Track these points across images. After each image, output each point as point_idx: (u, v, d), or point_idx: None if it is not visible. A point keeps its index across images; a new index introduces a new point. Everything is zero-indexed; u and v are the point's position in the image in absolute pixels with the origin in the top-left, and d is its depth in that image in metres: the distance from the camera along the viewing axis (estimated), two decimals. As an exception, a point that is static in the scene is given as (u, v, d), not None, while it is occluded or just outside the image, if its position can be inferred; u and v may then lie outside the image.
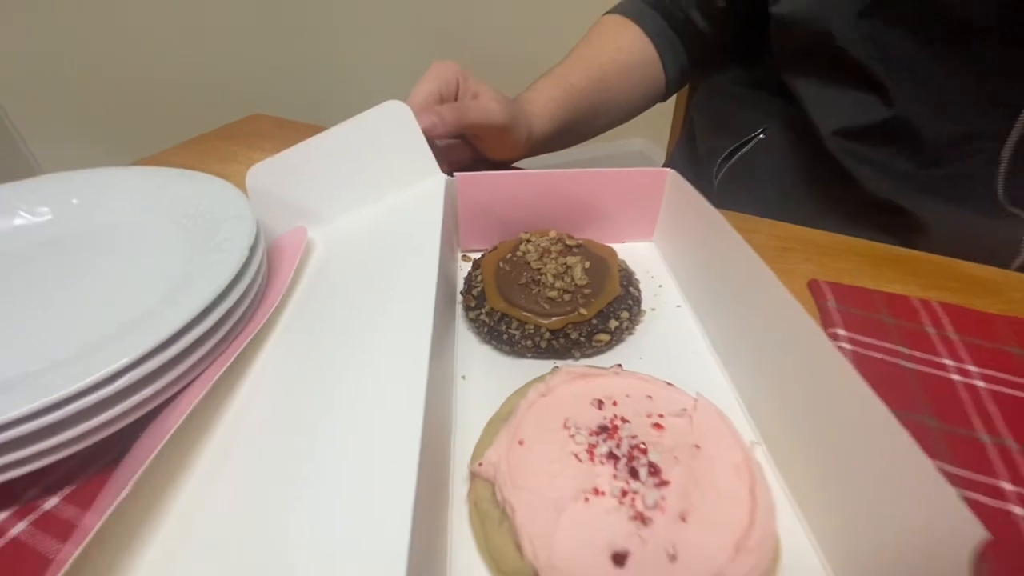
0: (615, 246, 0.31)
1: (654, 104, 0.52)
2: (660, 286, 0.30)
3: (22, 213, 0.28)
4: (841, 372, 0.17)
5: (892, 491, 0.15)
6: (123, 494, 0.15)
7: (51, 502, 0.19)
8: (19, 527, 0.18)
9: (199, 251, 0.25)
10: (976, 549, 0.12)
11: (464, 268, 0.31)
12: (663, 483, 0.17)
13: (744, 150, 0.46)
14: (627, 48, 0.47)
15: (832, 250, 0.34)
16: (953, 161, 0.37)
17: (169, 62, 1.09)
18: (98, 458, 0.20)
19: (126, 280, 0.25)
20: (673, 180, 0.30)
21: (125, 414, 0.19)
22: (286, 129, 0.49)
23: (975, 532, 0.12)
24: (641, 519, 0.16)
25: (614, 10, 0.50)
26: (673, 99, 0.59)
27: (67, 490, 0.19)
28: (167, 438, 0.17)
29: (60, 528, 0.18)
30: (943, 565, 0.13)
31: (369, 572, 0.14)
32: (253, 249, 0.24)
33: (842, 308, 0.28)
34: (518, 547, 0.16)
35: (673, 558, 0.15)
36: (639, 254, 0.32)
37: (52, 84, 1.04)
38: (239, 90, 1.16)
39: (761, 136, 0.45)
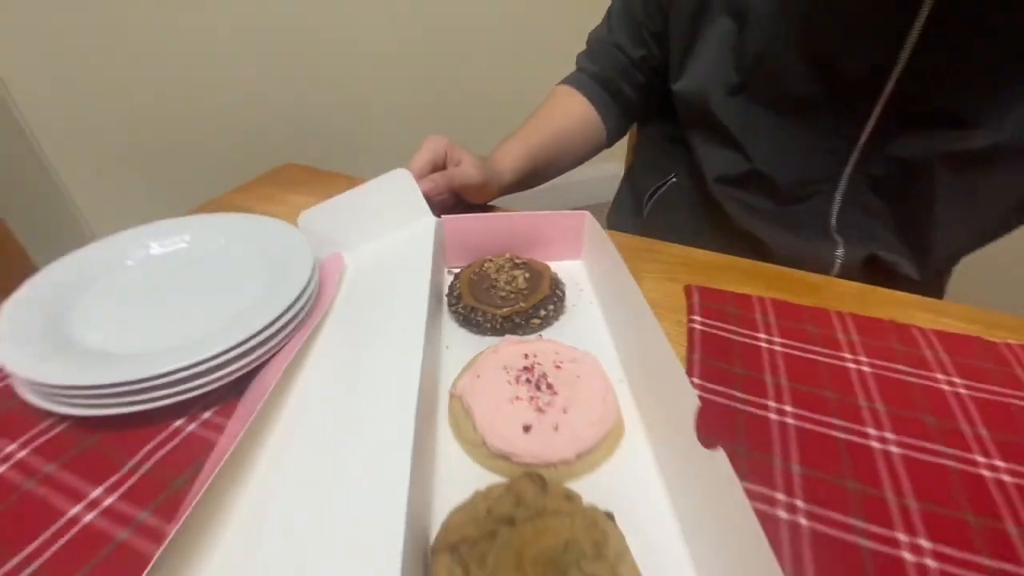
0: (553, 263, 0.45)
1: (599, 152, 0.67)
2: (581, 290, 0.44)
3: (163, 243, 0.42)
4: (665, 350, 0.30)
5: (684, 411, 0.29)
6: (249, 421, 0.29)
7: (207, 414, 0.32)
8: (191, 427, 0.31)
9: (279, 271, 0.38)
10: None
11: (448, 279, 0.45)
12: (555, 393, 0.31)
13: (662, 189, 0.61)
14: (575, 113, 0.62)
15: (710, 265, 0.48)
16: (801, 200, 0.51)
17: (206, 116, 1.25)
18: (231, 391, 0.33)
19: (232, 286, 0.38)
20: (589, 220, 0.44)
21: (240, 367, 0.32)
22: (312, 176, 0.63)
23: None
24: (540, 411, 0.30)
25: (565, 81, 0.65)
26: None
27: (216, 407, 0.32)
28: (273, 384, 0.31)
29: (214, 429, 0.31)
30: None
31: (384, 456, 0.27)
32: (312, 270, 0.38)
33: (702, 303, 0.42)
34: (474, 429, 0.30)
35: (556, 428, 0.29)
36: (570, 268, 0.46)
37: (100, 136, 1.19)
38: (267, 142, 1.32)
39: (673, 179, 0.60)
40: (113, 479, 0.28)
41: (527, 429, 0.29)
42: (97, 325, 0.34)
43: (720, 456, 0.23)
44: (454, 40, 1.45)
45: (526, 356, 0.34)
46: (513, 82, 1.52)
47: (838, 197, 0.50)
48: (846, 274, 0.48)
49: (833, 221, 0.51)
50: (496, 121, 1.08)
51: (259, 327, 0.32)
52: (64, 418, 0.31)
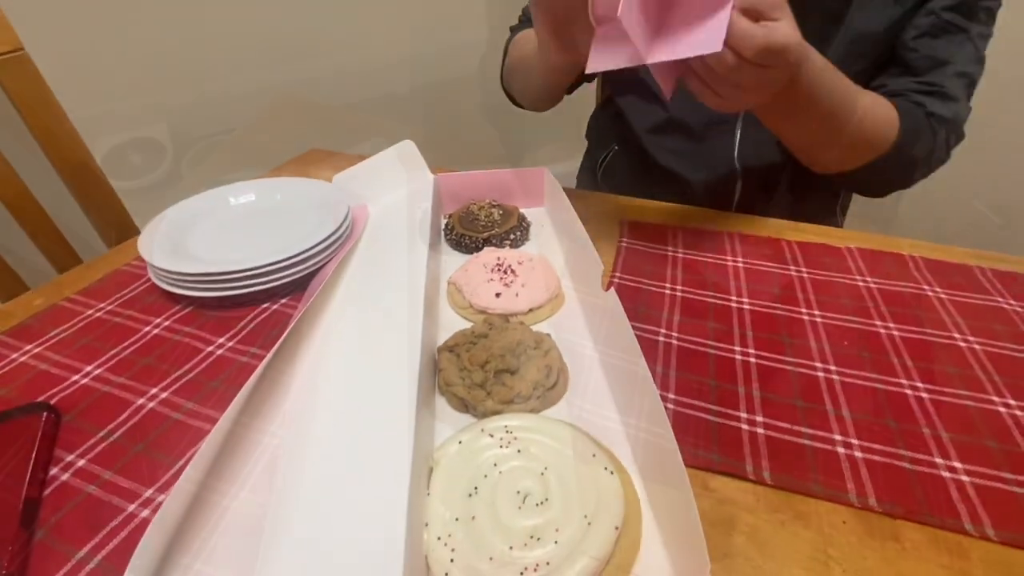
0: (523, 208, 0.61)
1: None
2: (542, 226, 0.59)
3: (234, 196, 0.57)
4: (593, 257, 0.45)
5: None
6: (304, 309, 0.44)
7: (284, 299, 0.47)
8: (275, 307, 0.46)
9: (325, 212, 0.54)
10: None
11: (444, 220, 0.61)
12: (516, 276, 0.46)
13: (608, 158, 0.76)
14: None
15: (642, 208, 0.64)
16: (711, 139, 0.66)
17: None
18: (298, 287, 0.48)
19: (293, 225, 0.54)
20: (548, 175, 0.60)
21: (302, 270, 0.48)
22: (334, 156, 0.78)
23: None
24: (507, 285, 0.45)
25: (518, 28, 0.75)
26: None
27: (289, 296, 0.48)
28: (317, 292, 0.46)
29: (290, 308, 0.46)
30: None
31: (408, 316, 0.43)
32: (348, 210, 0.53)
33: (629, 230, 0.58)
34: (464, 298, 0.45)
35: (516, 295, 0.44)
36: (535, 212, 0.62)
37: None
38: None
39: (615, 148, 0.75)
40: (231, 332, 0.43)
41: (498, 295, 0.45)
42: (204, 245, 0.50)
43: (613, 296, 0.38)
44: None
45: (499, 258, 0.49)
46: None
47: (738, 133, 0.65)
48: (747, 202, 0.63)
49: (735, 154, 0.65)
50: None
51: (315, 242, 0.48)
52: (191, 302, 0.46)
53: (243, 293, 0.45)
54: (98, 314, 0.45)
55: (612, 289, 0.38)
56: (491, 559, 0.26)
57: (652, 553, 0.28)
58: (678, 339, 0.43)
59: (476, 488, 0.29)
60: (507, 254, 0.50)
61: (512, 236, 0.54)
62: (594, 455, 0.30)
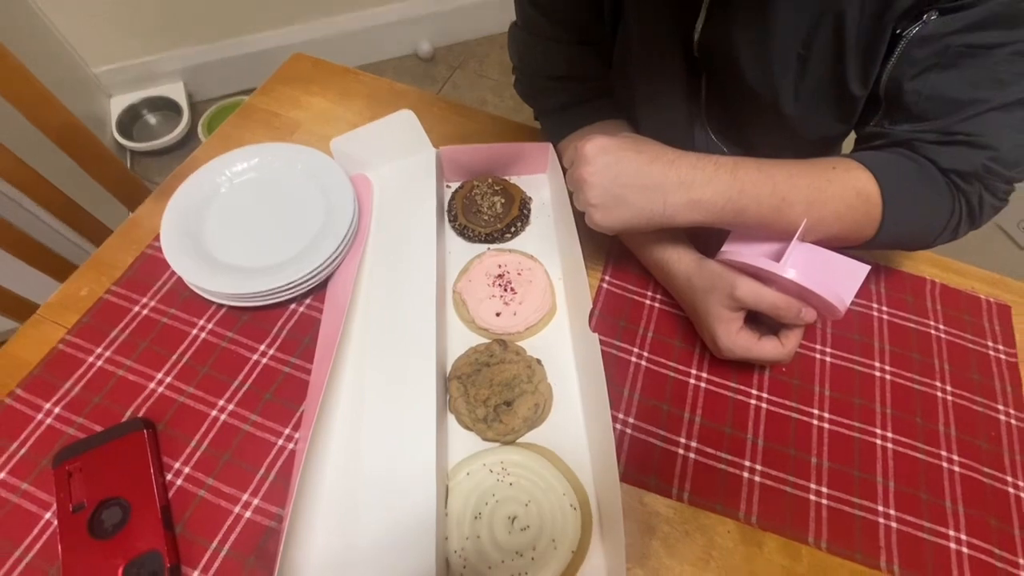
0: (526, 177, 0.61)
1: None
2: (543, 203, 0.61)
3: (235, 169, 0.57)
4: (579, 265, 0.49)
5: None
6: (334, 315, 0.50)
7: (308, 300, 0.53)
8: (301, 309, 0.53)
9: (332, 199, 0.55)
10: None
11: (447, 192, 0.61)
12: (514, 293, 0.52)
13: None
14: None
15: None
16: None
17: None
18: (320, 288, 0.54)
19: (300, 209, 0.55)
20: (550, 149, 0.58)
21: (325, 273, 0.52)
22: (321, 70, 0.72)
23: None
24: (506, 304, 0.51)
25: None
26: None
27: (313, 296, 0.53)
28: (352, 281, 0.51)
29: (315, 310, 0.53)
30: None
31: (420, 327, 0.49)
32: (354, 201, 0.54)
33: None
34: (468, 312, 0.52)
35: (515, 314, 0.51)
36: (539, 180, 0.62)
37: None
38: None
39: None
40: (269, 339, 0.51)
41: (498, 315, 0.51)
42: (221, 243, 0.53)
43: (593, 337, 0.45)
44: None
45: (500, 266, 0.54)
46: None
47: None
48: None
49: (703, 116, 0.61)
50: None
51: (332, 249, 0.51)
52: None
53: (272, 303, 0.51)
54: (144, 311, 0.52)
55: (595, 336, 0.45)
56: (490, 568, 0.40)
57: (594, 560, 0.42)
58: (647, 359, 0.51)
59: (480, 514, 0.42)
60: (508, 260, 0.54)
61: (513, 228, 0.57)
62: (564, 493, 0.43)
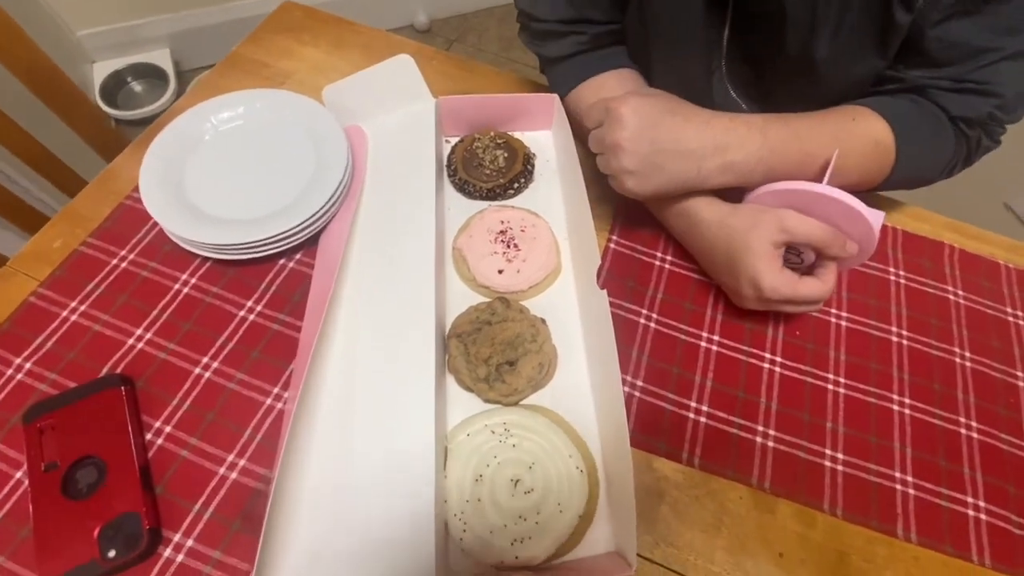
0: (530, 133, 0.58)
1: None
2: (547, 160, 0.58)
3: (220, 116, 0.53)
4: (588, 224, 0.46)
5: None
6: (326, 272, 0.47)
7: (299, 255, 0.50)
8: (291, 264, 0.50)
9: (323, 150, 0.51)
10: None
11: (447, 147, 0.58)
12: (518, 250, 0.49)
13: None
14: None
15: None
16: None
17: None
18: (311, 243, 0.50)
19: (290, 158, 0.52)
20: (556, 101, 0.55)
21: (316, 226, 0.49)
22: (314, 19, 0.68)
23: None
24: (509, 261, 0.48)
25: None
26: None
27: (303, 251, 0.50)
28: (346, 236, 0.48)
29: (306, 265, 0.50)
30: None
31: (419, 285, 0.46)
32: (348, 153, 0.51)
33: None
34: (469, 270, 0.49)
35: (518, 271, 0.48)
36: (542, 137, 0.59)
37: None
38: None
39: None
40: (256, 294, 0.48)
41: (500, 272, 0.48)
42: (205, 193, 0.49)
43: (602, 294, 0.42)
44: None
45: (502, 222, 0.51)
46: None
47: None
48: None
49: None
50: None
51: (322, 202, 0.48)
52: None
53: (260, 256, 0.47)
54: (123, 264, 0.48)
55: (604, 292, 0.42)
56: (491, 532, 0.38)
57: (601, 525, 0.40)
58: (657, 321, 0.49)
59: (480, 476, 0.40)
60: (511, 216, 0.51)
61: (516, 184, 0.54)
62: (570, 455, 0.40)
